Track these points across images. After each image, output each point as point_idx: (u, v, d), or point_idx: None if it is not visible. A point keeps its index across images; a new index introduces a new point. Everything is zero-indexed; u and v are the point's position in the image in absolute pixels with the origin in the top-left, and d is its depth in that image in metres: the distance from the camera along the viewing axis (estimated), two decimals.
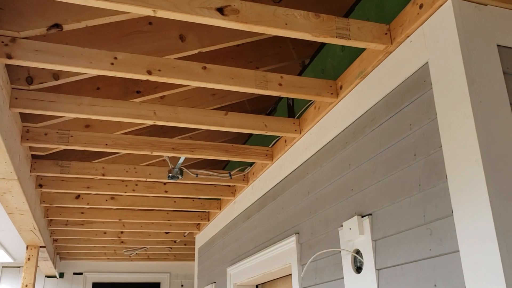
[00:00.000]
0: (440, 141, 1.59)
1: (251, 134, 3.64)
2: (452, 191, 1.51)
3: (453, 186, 1.50)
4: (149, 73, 2.02)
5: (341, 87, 2.23)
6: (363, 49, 2.10)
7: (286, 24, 1.75)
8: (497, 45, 1.60)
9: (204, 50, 2.39)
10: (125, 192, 3.58)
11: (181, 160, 3.13)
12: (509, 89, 1.55)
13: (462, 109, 1.50)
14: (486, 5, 1.63)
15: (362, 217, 1.94)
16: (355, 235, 1.93)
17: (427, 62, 1.69)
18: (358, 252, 1.95)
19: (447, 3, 1.61)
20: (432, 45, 1.67)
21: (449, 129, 1.55)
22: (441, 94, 1.60)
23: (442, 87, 1.60)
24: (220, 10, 1.66)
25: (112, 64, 1.97)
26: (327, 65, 2.50)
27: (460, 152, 1.49)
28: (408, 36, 1.79)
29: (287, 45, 2.91)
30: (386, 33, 1.86)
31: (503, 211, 1.37)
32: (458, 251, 1.46)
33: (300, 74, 2.83)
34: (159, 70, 2.04)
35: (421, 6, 1.70)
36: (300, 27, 1.77)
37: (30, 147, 3.02)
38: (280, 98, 3.10)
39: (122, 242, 5.89)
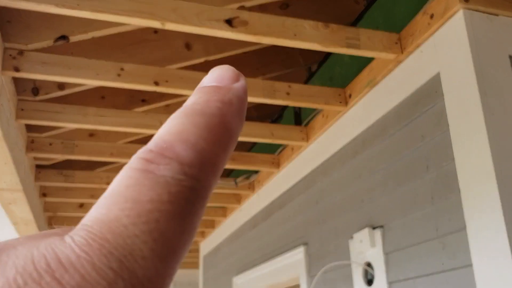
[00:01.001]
0: (452, 153, 1.57)
1: None
2: (465, 205, 1.49)
3: (466, 200, 1.49)
4: (156, 84, 2.01)
5: (350, 96, 2.21)
6: (372, 58, 2.08)
7: (295, 35, 1.73)
8: (509, 56, 1.58)
9: (210, 58, 2.37)
10: None
11: None
12: None
13: (475, 121, 1.49)
14: (497, 15, 1.62)
15: (373, 229, 1.92)
16: (366, 247, 1.91)
17: (439, 72, 1.67)
18: (369, 264, 1.93)
19: (458, 13, 1.59)
20: (443, 55, 1.65)
21: (462, 142, 1.53)
22: (453, 106, 1.58)
23: (454, 98, 1.58)
24: (229, 22, 1.65)
25: (119, 75, 1.96)
26: (335, 73, 2.48)
27: (473, 165, 1.47)
28: (419, 46, 1.77)
29: (293, 51, 2.89)
30: (396, 43, 1.84)
31: None
32: (471, 265, 1.44)
33: (307, 81, 2.81)
34: (167, 81, 2.02)
35: (431, 16, 1.68)
36: (309, 38, 1.75)
37: (34, 157, 3.00)
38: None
39: None
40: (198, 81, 2.08)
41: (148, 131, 2.42)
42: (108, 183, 3.19)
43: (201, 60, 2.36)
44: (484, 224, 1.41)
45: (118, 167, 3.58)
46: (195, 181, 0.16)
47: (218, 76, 0.19)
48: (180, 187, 0.16)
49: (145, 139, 3.27)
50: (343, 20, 2.49)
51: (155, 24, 1.59)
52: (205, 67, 2.58)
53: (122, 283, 0.13)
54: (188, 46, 2.36)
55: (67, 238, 0.14)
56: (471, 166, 1.48)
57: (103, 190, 3.50)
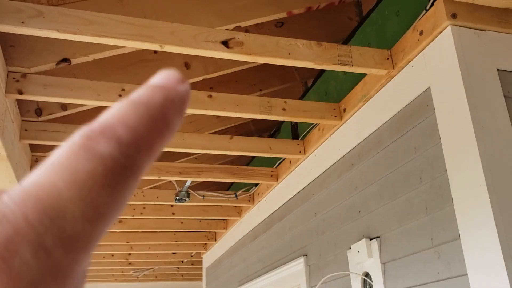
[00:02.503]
0: (445, 165, 1.61)
1: None
2: (458, 215, 1.53)
3: (459, 210, 1.53)
4: None
5: (344, 110, 2.27)
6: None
7: (289, 54, 1.79)
8: (498, 70, 1.63)
9: (208, 76, 2.43)
10: (133, 216, 3.61)
11: (188, 183, 3.16)
12: (511, 113, 1.58)
13: (465, 134, 1.53)
14: (485, 30, 1.67)
15: (371, 239, 1.96)
16: (363, 257, 1.94)
17: (429, 87, 1.72)
18: (367, 275, 1.97)
19: (446, 30, 1.65)
20: (433, 70, 1.70)
21: (453, 154, 1.57)
22: (444, 119, 1.63)
23: (444, 112, 1.63)
24: (225, 43, 1.71)
25: (120, 95, 2.01)
26: (330, 88, 2.53)
27: (465, 176, 1.52)
28: (410, 62, 1.83)
29: (290, 67, 2.95)
30: (387, 58, 1.90)
31: (509, 234, 1.39)
32: (466, 274, 1.48)
33: (303, 96, 2.87)
34: None
35: (421, 33, 1.74)
36: (303, 56, 1.81)
37: None
38: None
39: (130, 263, 5.89)
40: (196, 99, 2.13)
41: None
42: None
43: (200, 78, 2.42)
44: (477, 234, 1.45)
45: None
46: (130, 160, 0.18)
47: (165, 77, 0.20)
48: (115, 162, 0.17)
49: None
50: (337, 36, 2.55)
51: (154, 47, 1.65)
52: (204, 85, 2.64)
53: (51, 237, 0.16)
54: (187, 65, 2.42)
55: (4, 196, 0.17)
56: (463, 177, 1.53)
57: None
